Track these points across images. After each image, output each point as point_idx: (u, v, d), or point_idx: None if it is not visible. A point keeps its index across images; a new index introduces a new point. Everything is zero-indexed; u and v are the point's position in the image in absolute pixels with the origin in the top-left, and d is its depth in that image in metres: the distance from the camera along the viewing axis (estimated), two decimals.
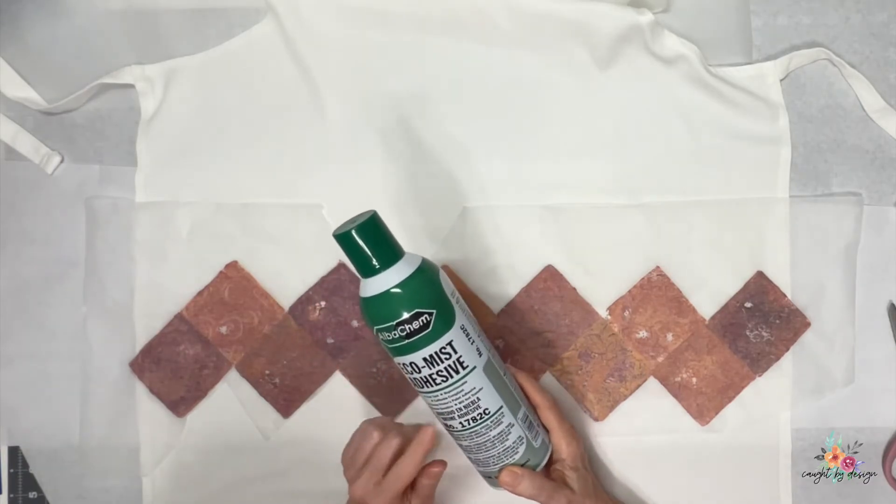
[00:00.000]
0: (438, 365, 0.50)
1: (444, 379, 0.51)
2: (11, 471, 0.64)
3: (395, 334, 0.50)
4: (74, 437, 0.64)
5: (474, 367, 0.51)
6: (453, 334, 0.50)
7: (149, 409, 0.64)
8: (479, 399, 0.52)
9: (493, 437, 0.53)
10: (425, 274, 0.50)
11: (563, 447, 0.56)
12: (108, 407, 0.63)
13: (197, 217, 0.63)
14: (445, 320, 0.50)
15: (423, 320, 0.49)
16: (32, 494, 0.65)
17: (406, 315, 0.49)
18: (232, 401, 0.64)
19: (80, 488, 0.64)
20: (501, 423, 0.53)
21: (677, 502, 0.63)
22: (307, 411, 0.64)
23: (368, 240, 0.49)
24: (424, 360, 0.50)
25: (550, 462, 0.57)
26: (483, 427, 0.53)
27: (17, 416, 0.64)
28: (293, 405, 0.64)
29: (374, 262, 0.49)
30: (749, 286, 0.63)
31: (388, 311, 0.49)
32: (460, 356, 0.51)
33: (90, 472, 0.64)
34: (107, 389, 0.63)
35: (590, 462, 0.60)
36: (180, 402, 0.64)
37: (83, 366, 0.63)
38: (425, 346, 0.50)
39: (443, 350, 0.50)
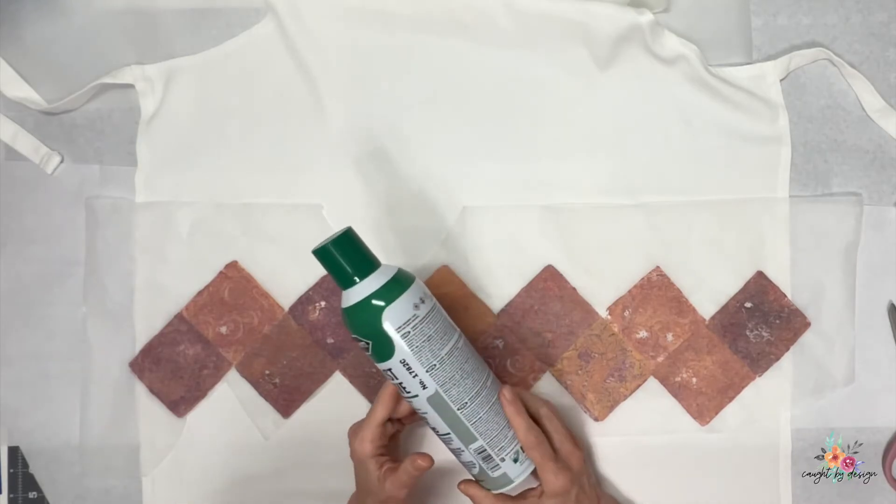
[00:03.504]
0: (392, 379, 0.53)
1: (400, 390, 0.54)
2: (11, 471, 0.64)
3: (358, 345, 0.53)
4: (74, 437, 0.64)
5: (416, 395, 0.53)
6: (391, 364, 0.52)
7: (149, 409, 0.64)
8: (426, 417, 0.54)
9: (451, 448, 0.55)
10: (365, 307, 0.51)
11: (550, 480, 0.54)
12: (108, 407, 0.63)
13: (197, 217, 0.63)
14: (383, 352, 0.52)
15: (362, 344, 0.52)
16: (32, 494, 0.65)
17: (354, 334, 0.53)
18: (232, 401, 0.64)
19: (80, 488, 0.64)
20: (451, 443, 0.55)
21: (677, 502, 0.63)
22: (307, 411, 0.64)
23: (329, 260, 0.52)
24: (383, 370, 0.54)
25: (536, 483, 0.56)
26: (438, 437, 0.55)
27: (17, 416, 0.64)
28: (293, 405, 0.64)
29: (339, 280, 0.52)
30: (749, 286, 0.63)
31: (349, 325, 0.53)
32: (401, 382, 0.53)
33: (90, 472, 0.64)
34: (107, 389, 0.63)
35: (596, 482, 0.60)
36: (180, 402, 0.64)
37: (83, 366, 0.63)
38: (377, 362, 0.53)
39: (387, 371, 0.53)
